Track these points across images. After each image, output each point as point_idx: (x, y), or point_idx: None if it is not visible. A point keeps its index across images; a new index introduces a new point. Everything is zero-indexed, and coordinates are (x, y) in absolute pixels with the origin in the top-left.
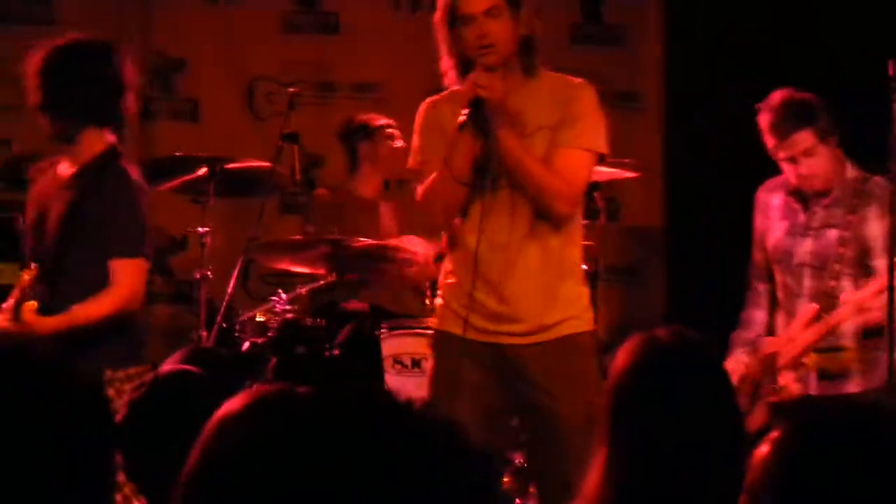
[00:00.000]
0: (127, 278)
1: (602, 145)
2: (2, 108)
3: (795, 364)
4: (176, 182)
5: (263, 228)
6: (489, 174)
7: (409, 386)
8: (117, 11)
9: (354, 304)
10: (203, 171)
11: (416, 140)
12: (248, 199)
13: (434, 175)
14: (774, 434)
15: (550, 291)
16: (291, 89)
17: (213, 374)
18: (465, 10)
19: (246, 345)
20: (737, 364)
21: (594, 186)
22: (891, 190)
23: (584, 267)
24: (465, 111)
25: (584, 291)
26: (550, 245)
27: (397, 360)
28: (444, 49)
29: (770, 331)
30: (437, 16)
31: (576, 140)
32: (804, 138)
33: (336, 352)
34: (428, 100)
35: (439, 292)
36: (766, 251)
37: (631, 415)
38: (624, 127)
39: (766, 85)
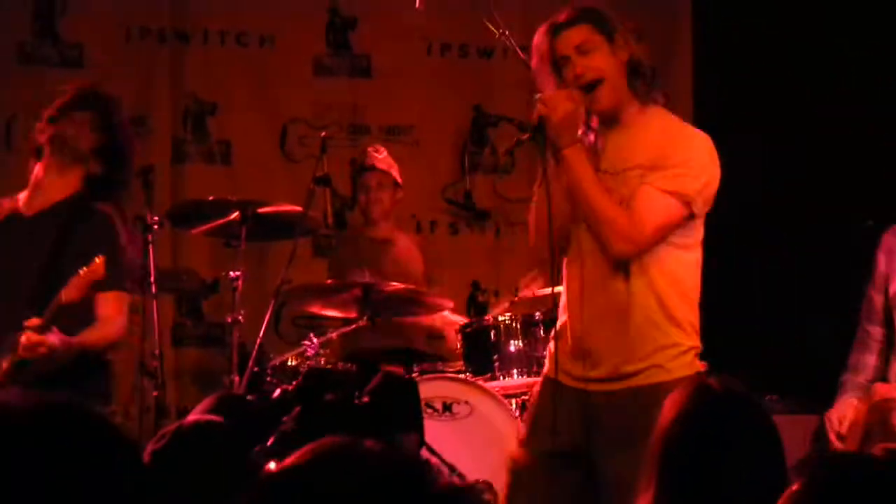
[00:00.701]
0: (117, 311)
1: (693, 196)
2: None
3: None
4: (208, 226)
5: (295, 272)
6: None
7: (441, 431)
8: (149, 55)
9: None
10: (235, 215)
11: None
12: (280, 242)
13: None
14: (793, 487)
15: (631, 337)
16: (323, 133)
17: (239, 422)
18: (560, 52)
19: (277, 391)
20: (846, 408)
21: None
22: None
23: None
24: (532, 129)
25: (681, 339)
26: (633, 288)
27: (429, 405)
28: (548, 88)
29: (883, 376)
30: (534, 63)
31: (662, 181)
32: None
33: (366, 399)
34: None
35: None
36: (886, 295)
37: (679, 462)
38: None
39: (796, 118)
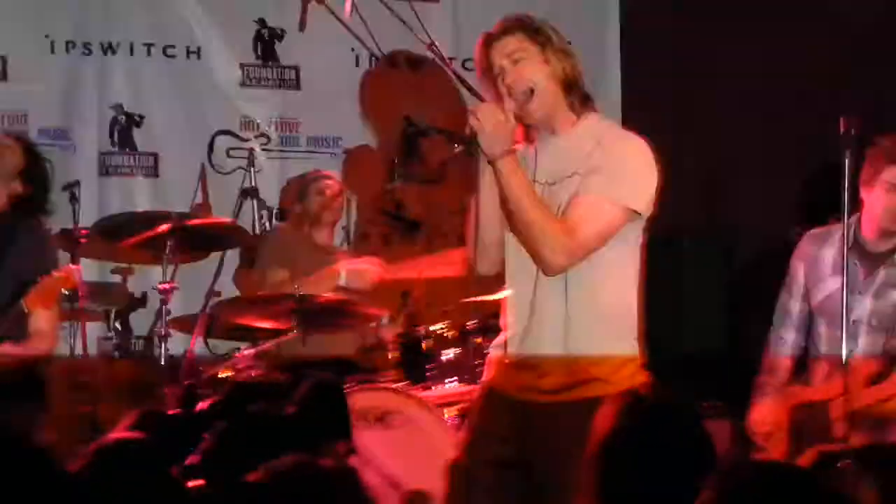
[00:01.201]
0: (51, 325)
1: (632, 200)
2: None
3: (849, 417)
4: (137, 238)
5: (225, 283)
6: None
7: (376, 441)
8: (74, 67)
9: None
10: (164, 227)
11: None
12: (209, 254)
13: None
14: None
15: (574, 349)
16: (251, 147)
17: (161, 438)
18: (497, 62)
19: (201, 404)
20: (765, 410)
21: None
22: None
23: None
24: (466, 139)
25: (624, 350)
26: (575, 299)
27: (363, 415)
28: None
29: (800, 378)
30: (479, 74)
31: (595, 187)
32: None
33: (293, 408)
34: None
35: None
36: (807, 303)
37: (614, 476)
38: None
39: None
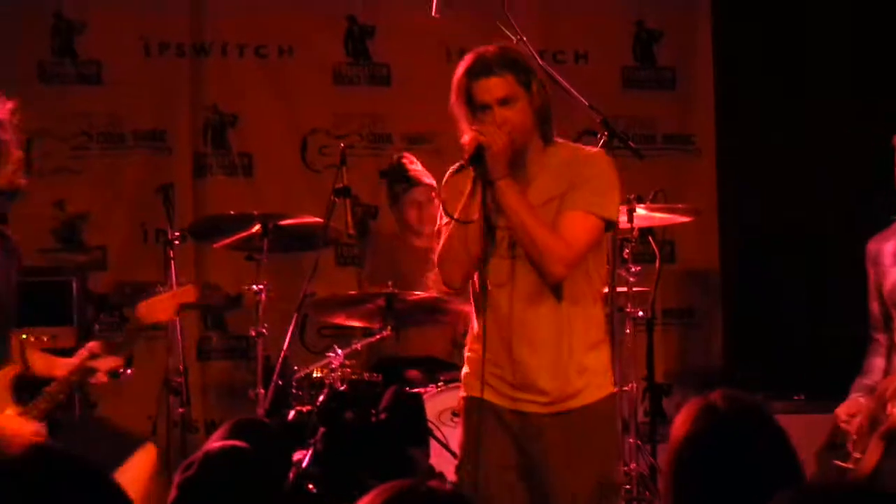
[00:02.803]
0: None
1: (610, 212)
2: (57, 168)
3: None
4: (230, 240)
5: (319, 282)
6: (497, 236)
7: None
8: (168, 69)
9: (414, 373)
10: (256, 228)
11: (441, 203)
12: (302, 253)
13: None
14: None
15: (566, 358)
16: (342, 144)
17: (261, 447)
18: (481, 99)
19: (292, 413)
20: (853, 405)
21: (648, 231)
22: None
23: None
24: (467, 156)
25: (603, 354)
26: (562, 310)
27: (455, 413)
28: (464, 126)
29: (888, 374)
30: (453, 98)
31: (581, 203)
32: None
33: (383, 416)
34: (452, 167)
35: (466, 354)
36: (881, 299)
37: (694, 485)
38: (678, 170)
39: (817, 125)
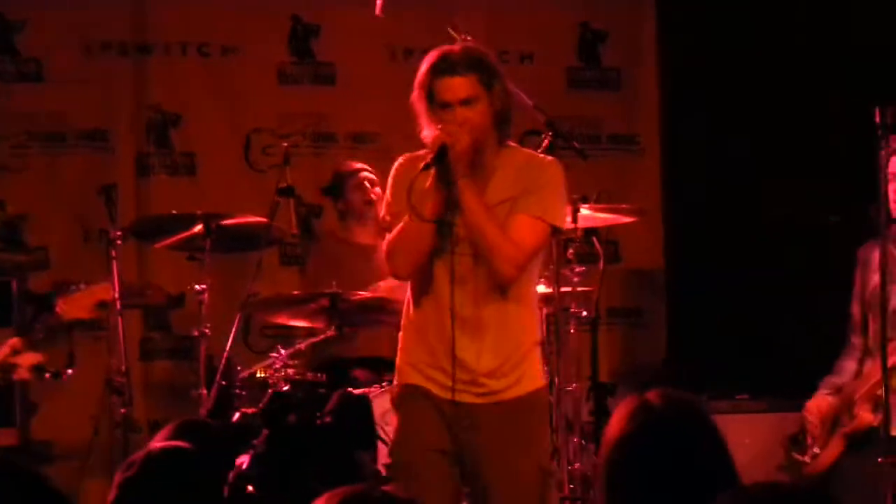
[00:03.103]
0: None
1: (558, 219)
2: None
3: (870, 395)
4: (172, 239)
5: (263, 282)
6: (451, 232)
7: None
8: (110, 68)
9: (357, 372)
10: (199, 227)
11: (388, 194)
12: (245, 253)
13: (400, 224)
14: None
15: (506, 353)
16: (286, 143)
17: (204, 448)
18: (443, 97)
19: (237, 415)
20: (819, 402)
21: (592, 231)
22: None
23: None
24: (431, 154)
25: (538, 351)
26: (507, 307)
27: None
28: (425, 122)
29: (858, 376)
30: (415, 95)
31: (532, 208)
32: None
33: (328, 419)
34: (403, 156)
35: (400, 345)
36: (863, 304)
37: (628, 484)
38: (622, 170)
39: (762, 127)
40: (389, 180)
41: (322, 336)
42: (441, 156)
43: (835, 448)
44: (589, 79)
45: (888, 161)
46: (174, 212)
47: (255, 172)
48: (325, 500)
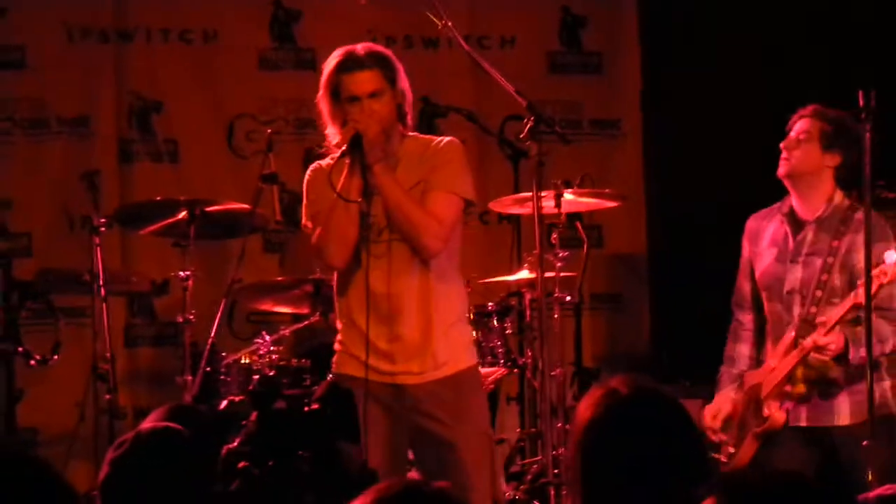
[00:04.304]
0: None
1: (468, 192)
2: None
3: (778, 393)
4: (156, 226)
5: (247, 269)
6: (366, 221)
7: None
8: (92, 55)
9: None
10: (183, 214)
11: (305, 200)
12: (229, 240)
13: (328, 212)
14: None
15: (435, 331)
16: (269, 130)
17: (195, 431)
18: (352, 91)
19: (224, 402)
20: (724, 402)
21: (576, 216)
22: (865, 216)
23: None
24: (345, 143)
25: (467, 328)
26: (431, 287)
27: None
28: (329, 120)
29: (758, 363)
30: (321, 93)
31: (443, 184)
32: (811, 125)
33: (315, 406)
34: (313, 166)
35: (338, 336)
36: (753, 279)
37: (599, 469)
38: (605, 155)
39: (743, 110)
40: (305, 187)
41: (306, 322)
42: (355, 143)
43: (749, 447)
44: (570, 63)
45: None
46: (158, 198)
47: (238, 159)
48: (375, 491)
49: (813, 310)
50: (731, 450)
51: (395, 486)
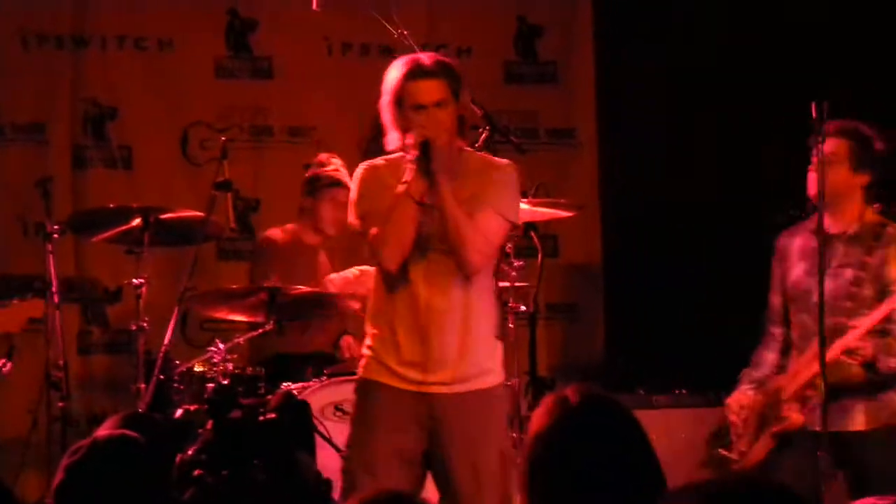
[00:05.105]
0: None
1: (516, 217)
2: None
3: (799, 395)
4: (109, 233)
5: (201, 277)
6: (423, 227)
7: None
8: (47, 61)
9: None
10: (137, 221)
11: (356, 196)
12: (183, 248)
13: (391, 211)
14: None
15: (470, 345)
16: (223, 137)
17: (150, 439)
18: (417, 100)
19: (179, 411)
20: (741, 398)
21: (531, 226)
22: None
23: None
24: (417, 149)
25: (499, 345)
26: (471, 302)
27: (338, 408)
28: (391, 126)
29: (782, 371)
30: (389, 99)
31: (496, 204)
32: (839, 146)
33: (271, 416)
34: (368, 163)
35: (367, 342)
36: (784, 294)
37: (549, 478)
38: (560, 164)
39: (699, 119)
40: (357, 184)
41: (261, 330)
42: (425, 150)
43: (763, 446)
44: (526, 73)
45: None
46: (112, 205)
47: (192, 166)
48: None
49: (843, 320)
50: (744, 448)
51: (382, 496)
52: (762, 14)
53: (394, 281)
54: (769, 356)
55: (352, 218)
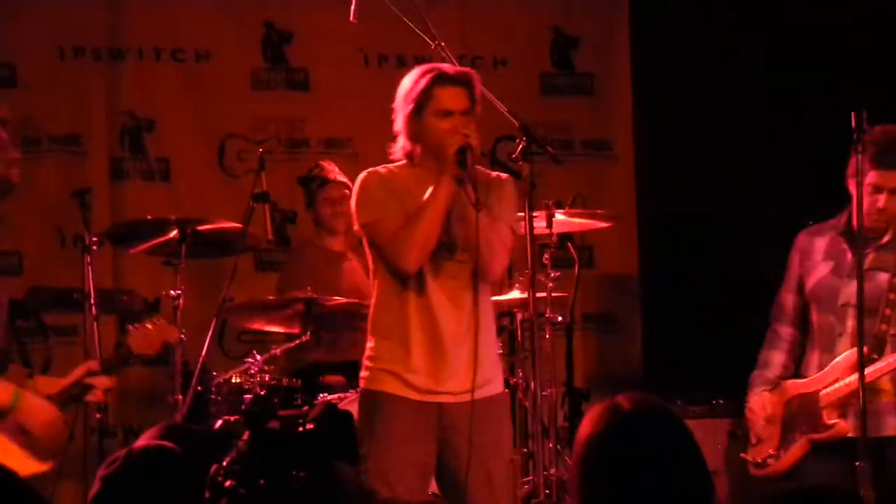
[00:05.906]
0: None
1: (520, 230)
2: None
3: (842, 403)
4: (147, 245)
5: (238, 288)
6: (444, 237)
7: None
8: (84, 73)
9: (331, 378)
10: (174, 233)
11: (361, 203)
12: (221, 259)
13: (421, 214)
14: None
15: (480, 353)
16: (261, 149)
17: (189, 450)
18: (446, 105)
19: (219, 422)
20: (762, 401)
21: (567, 237)
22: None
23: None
24: (458, 156)
25: (499, 354)
26: (480, 311)
27: None
28: (406, 132)
29: (797, 371)
30: (410, 102)
31: (507, 218)
32: None
33: (310, 426)
34: (370, 170)
35: (370, 353)
36: (801, 293)
37: (599, 484)
38: (596, 176)
39: (736, 130)
40: (365, 190)
41: (297, 341)
42: (462, 155)
43: (798, 451)
44: (562, 84)
45: (863, 167)
46: (149, 217)
47: (229, 178)
48: None
49: (883, 327)
50: (772, 451)
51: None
52: (800, 26)
53: (404, 290)
54: (776, 357)
55: (356, 225)
